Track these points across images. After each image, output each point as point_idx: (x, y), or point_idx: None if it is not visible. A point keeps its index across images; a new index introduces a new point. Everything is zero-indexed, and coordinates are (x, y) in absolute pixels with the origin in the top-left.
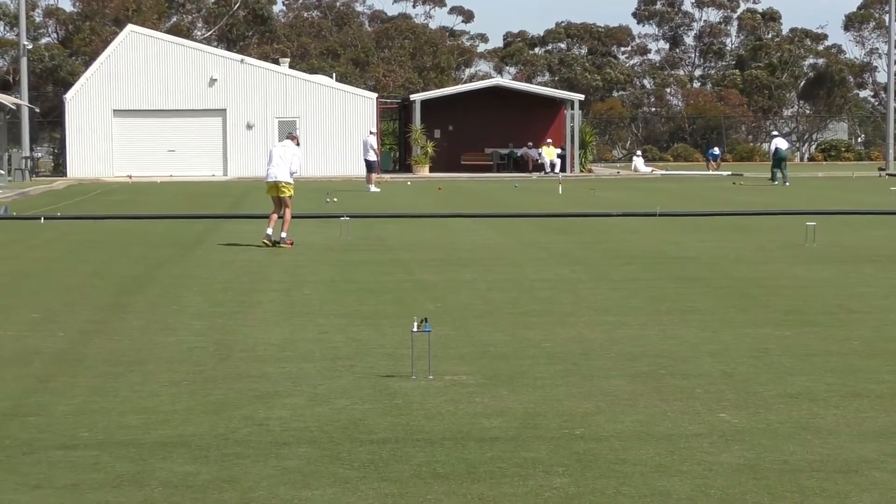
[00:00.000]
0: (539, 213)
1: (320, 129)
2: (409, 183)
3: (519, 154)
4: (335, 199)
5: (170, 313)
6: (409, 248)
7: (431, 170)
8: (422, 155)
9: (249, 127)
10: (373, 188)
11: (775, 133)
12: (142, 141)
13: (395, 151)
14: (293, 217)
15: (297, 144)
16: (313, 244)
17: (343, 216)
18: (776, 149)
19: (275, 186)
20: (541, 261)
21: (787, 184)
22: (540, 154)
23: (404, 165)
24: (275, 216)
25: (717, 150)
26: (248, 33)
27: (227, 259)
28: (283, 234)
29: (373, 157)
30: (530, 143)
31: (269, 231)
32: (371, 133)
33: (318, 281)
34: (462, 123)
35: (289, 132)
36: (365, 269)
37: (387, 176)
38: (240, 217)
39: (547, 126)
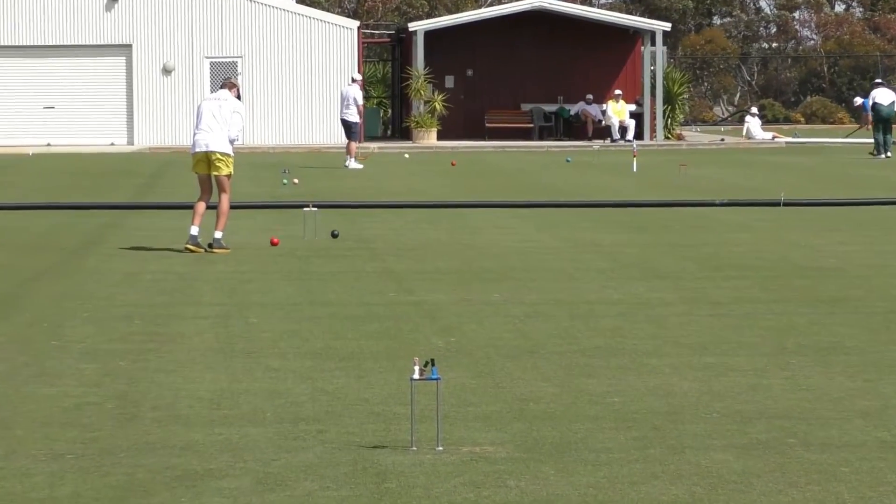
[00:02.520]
0: (602, 202)
1: (273, 75)
2: (406, 156)
3: (572, 113)
4: (296, 181)
5: (48, 352)
6: (406, 254)
7: (441, 136)
8: (426, 114)
9: (167, 72)
10: (353, 163)
11: (878, 81)
12: (3, 93)
13: (385, 109)
14: (232, 207)
15: (238, 97)
16: (263, 248)
17: (308, 206)
18: (875, 104)
19: (205, 160)
20: (604, 273)
21: (889, 155)
22: (604, 112)
23: (400, 130)
24: (203, 206)
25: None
26: None
27: (133, 270)
28: (217, 234)
29: (355, 116)
30: (589, 97)
31: (195, 230)
32: (353, 81)
33: (270, 303)
34: (487, 67)
35: (226, 78)
36: (340, 284)
37: (373, 145)
38: (151, 207)
39: (614, 71)
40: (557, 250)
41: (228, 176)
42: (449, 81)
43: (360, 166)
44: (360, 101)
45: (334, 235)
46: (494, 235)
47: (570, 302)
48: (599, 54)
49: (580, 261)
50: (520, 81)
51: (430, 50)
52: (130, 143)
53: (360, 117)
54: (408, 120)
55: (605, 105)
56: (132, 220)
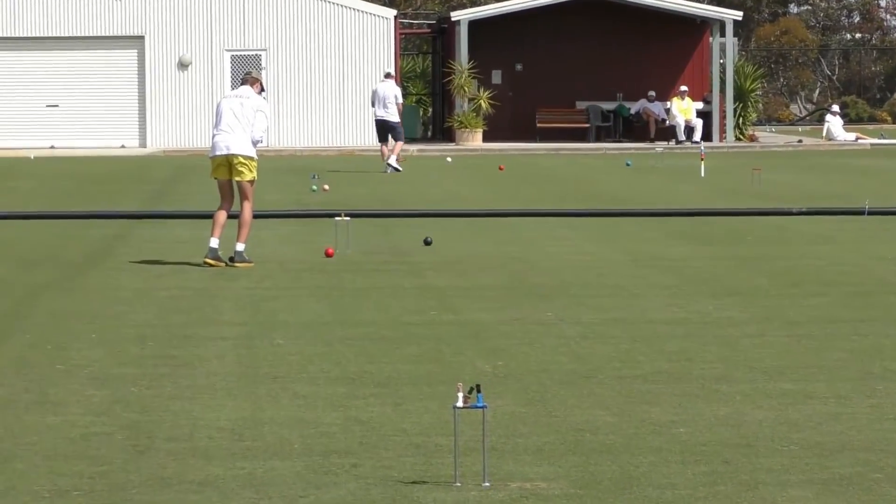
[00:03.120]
0: (667, 211)
1: (301, 70)
2: (449, 159)
3: (633, 111)
4: (326, 187)
5: (51, 377)
6: (448, 268)
7: (487, 137)
8: (471, 113)
9: (183, 66)
10: (393, 164)
11: None
12: (1, 90)
13: (425, 107)
14: (255, 217)
15: (262, 93)
16: (290, 261)
17: (340, 214)
18: None
19: (226, 164)
20: (669, 289)
21: None
22: (668, 111)
23: (441, 130)
24: (224, 215)
25: None
26: None
27: (146, 286)
28: (239, 246)
29: (393, 115)
30: (652, 94)
31: (215, 242)
32: (387, 76)
33: (297, 323)
34: (538, 60)
35: (247, 73)
36: (375, 302)
37: (412, 147)
38: (166, 217)
39: (680, 65)
40: (617, 264)
41: (252, 182)
42: (496, 77)
43: (400, 169)
44: (401, 99)
45: (427, 243)
46: (547, 248)
47: (631, 321)
48: (663, 46)
49: (642, 276)
50: (574, 77)
51: (475, 42)
52: (142, 145)
53: (400, 116)
54: (450, 119)
55: (669, 103)
56: (144, 231)
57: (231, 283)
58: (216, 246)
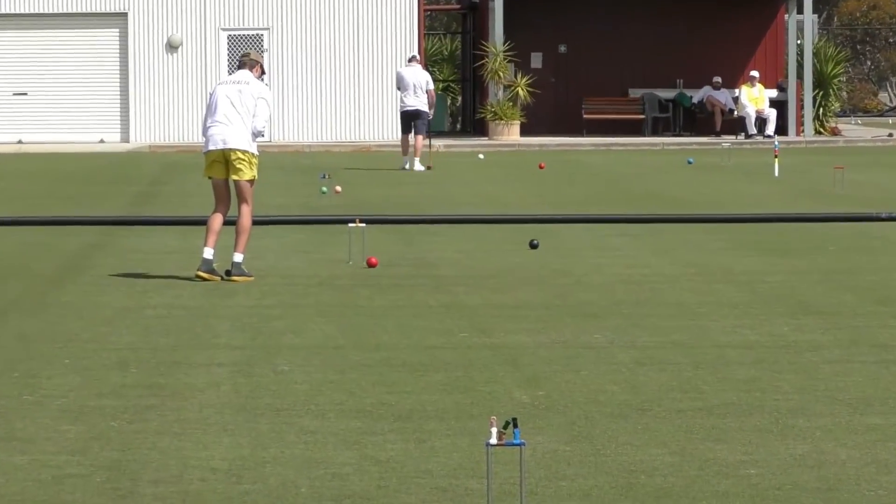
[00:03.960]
0: (735, 216)
1: (308, 53)
2: (481, 156)
3: (696, 101)
4: (338, 189)
5: (18, 409)
6: (481, 283)
7: (525, 130)
8: (506, 102)
9: (173, 48)
10: (417, 164)
11: None
12: None
13: (454, 96)
14: (255, 223)
15: (262, 76)
16: (296, 275)
17: (354, 220)
18: None
19: (222, 160)
20: (738, 308)
21: None
22: (737, 100)
23: (472, 122)
24: (219, 221)
25: None
26: None
27: (128, 304)
28: (238, 257)
29: (422, 103)
30: (717, 80)
31: (209, 252)
32: (412, 60)
33: (304, 347)
34: (585, 41)
35: (244, 55)
36: (396, 323)
37: (439, 142)
38: (152, 223)
39: (750, 46)
40: (677, 278)
41: (252, 181)
42: (536, 60)
43: (422, 169)
44: (432, 86)
45: (534, 246)
46: (595, 259)
47: (694, 345)
48: (730, 25)
49: (707, 292)
50: (627, 60)
51: (513, 20)
52: (124, 139)
53: (432, 105)
54: (483, 110)
55: (737, 90)
56: (127, 240)
57: (227, 300)
58: (210, 257)
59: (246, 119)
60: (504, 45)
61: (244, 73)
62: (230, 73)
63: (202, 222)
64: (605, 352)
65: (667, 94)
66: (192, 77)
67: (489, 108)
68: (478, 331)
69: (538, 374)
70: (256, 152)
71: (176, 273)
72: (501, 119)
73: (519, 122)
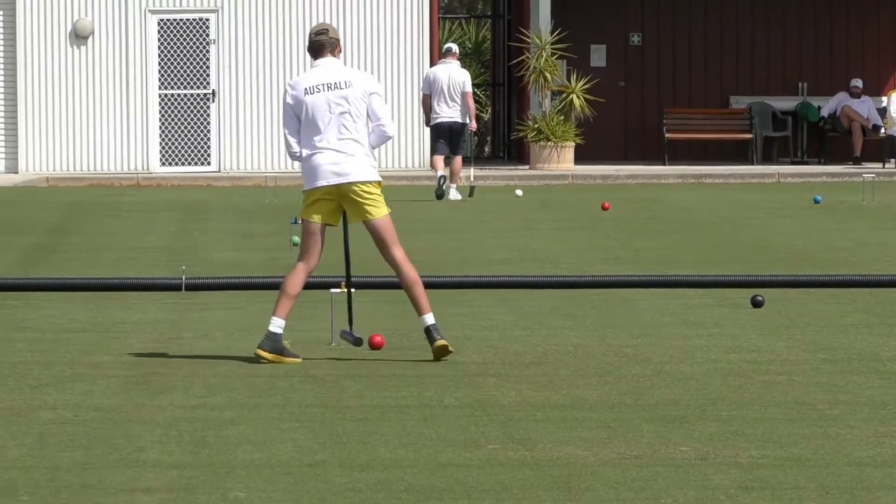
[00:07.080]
0: (880, 278)
1: (274, 45)
2: (519, 192)
3: (826, 114)
4: None
5: None
6: (519, 373)
7: (581, 155)
8: (556, 115)
9: (81, 37)
10: (453, 193)
11: None
12: None
13: (480, 107)
14: (195, 287)
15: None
16: (256, 362)
17: (339, 285)
18: None
19: (333, 197)
20: (885, 409)
21: None
22: (884, 112)
23: (506, 143)
24: (301, 279)
25: None
26: None
27: (17, 405)
28: (428, 319)
29: (464, 113)
30: (856, 84)
31: (278, 324)
32: (447, 54)
33: (267, 464)
34: (666, 31)
35: (318, 31)
36: (396, 430)
37: (467, 172)
38: (48, 288)
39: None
40: (798, 365)
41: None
42: (597, 57)
43: (459, 197)
44: (469, 87)
45: (757, 304)
46: (683, 340)
47: (820, 462)
48: (871, 13)
49: (841, 386)
50: (729, 56)
51: (561, 4)
52: (11, 169)
53: (473, 118)
54: (522, 126)
55: (884, 99)
56: (15, 312)
57: (158, 399)
58: (280, 330)
59: (361, 134)
60: (552, 34)
61: (332, 63)
62: (313, 66)
63: (122, 287)
64: (695, 470)
65: (785, 104)
66: (108, 78)
67: (531, 123)
68: (514, 441)
69: (600, 502)
70: (380, 178)
71: (84, 358)
72: (548, 140)
73: (573, 143)
